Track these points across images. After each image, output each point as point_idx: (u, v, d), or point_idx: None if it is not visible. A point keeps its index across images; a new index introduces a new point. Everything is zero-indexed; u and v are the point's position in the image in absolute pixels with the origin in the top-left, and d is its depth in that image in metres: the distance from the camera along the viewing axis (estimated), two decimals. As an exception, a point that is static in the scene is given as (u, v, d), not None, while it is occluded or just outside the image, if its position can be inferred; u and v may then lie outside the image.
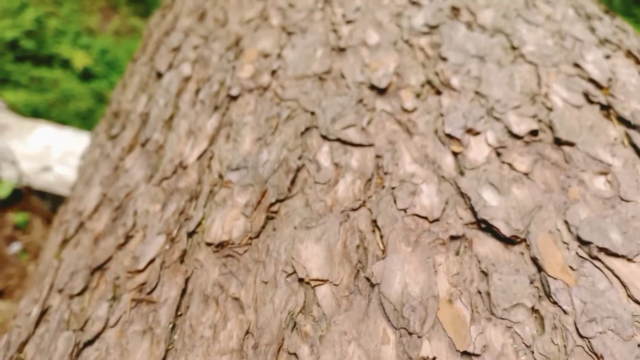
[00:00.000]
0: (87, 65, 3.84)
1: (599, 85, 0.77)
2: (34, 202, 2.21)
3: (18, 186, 2.16)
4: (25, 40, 3.82)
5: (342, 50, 0.86)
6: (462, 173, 0.64)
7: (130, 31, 4.20)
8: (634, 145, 0.67)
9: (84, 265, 0.70)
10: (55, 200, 2.15)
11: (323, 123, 0.73)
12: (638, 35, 1.06)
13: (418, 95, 0.75)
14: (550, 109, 0.72)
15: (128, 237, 0.70)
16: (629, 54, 0.90)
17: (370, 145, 0.68)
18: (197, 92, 0.90)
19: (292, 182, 0.66)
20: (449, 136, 0.67)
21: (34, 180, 2.14)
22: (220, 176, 0.71)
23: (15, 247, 2.07)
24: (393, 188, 0.62)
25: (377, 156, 0.67)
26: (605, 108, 0.74)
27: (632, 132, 0.69)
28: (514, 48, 0.84)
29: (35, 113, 3.68)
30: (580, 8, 1.05)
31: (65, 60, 3.89)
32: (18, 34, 3.85)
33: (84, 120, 3.73)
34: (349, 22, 0.91)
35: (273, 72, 0.86)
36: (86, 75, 3.80)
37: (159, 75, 1.03)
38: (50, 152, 2.18)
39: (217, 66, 0.93)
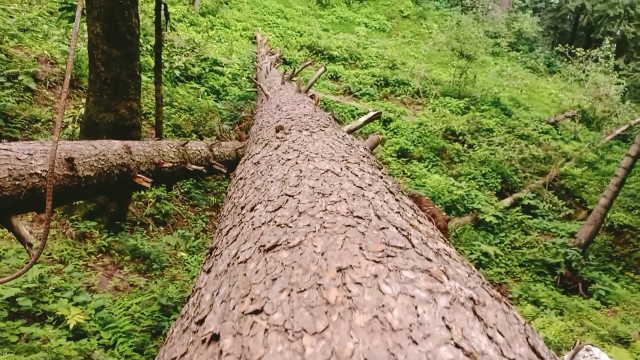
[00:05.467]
0: (79, 322, 3.85)
1: None
2: None
3: None
4: (24, 298, 3.90)
5: None
6: None
7: (129, 287, 4.34)
8: None
9: None
10: None
11: None
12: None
13: None
14: None
15: None
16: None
17: None
18: None
19: None
20: None
21: None
22: None
23: None
24: None
25: None
26: None
27: None
28: None
29: (17, 376, 3.54)
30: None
31: (60, 317, 3.91)
32: (18, 292, 3.96)
33: (66, 384, 3.56)
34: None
35: None
36: (77, 334, 3.78)
37: None
38: None
39: None
